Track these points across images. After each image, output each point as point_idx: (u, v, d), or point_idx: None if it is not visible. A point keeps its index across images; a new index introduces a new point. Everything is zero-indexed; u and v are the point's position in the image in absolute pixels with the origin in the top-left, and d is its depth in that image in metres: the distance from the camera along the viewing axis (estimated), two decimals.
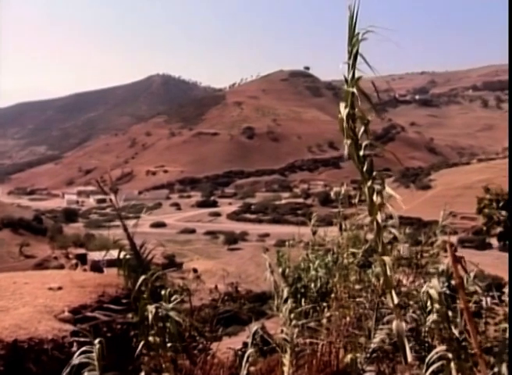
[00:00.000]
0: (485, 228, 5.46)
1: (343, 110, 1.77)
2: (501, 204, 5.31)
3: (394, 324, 1.81)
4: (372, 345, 3.67)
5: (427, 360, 2.16)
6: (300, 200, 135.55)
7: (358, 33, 1.74)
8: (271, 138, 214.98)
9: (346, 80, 1.79)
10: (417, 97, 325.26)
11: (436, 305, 2.12)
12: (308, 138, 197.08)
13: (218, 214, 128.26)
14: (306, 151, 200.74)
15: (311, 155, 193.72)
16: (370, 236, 6.35)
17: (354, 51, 1.76)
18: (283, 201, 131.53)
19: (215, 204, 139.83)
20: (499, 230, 5.37)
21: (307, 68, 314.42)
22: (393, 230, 1.76)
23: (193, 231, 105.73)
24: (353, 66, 1.79)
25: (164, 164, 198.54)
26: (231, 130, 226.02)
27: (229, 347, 6.39)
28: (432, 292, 2.11)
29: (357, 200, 2.55)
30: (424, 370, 2.12)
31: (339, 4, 1.80)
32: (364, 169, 1.78)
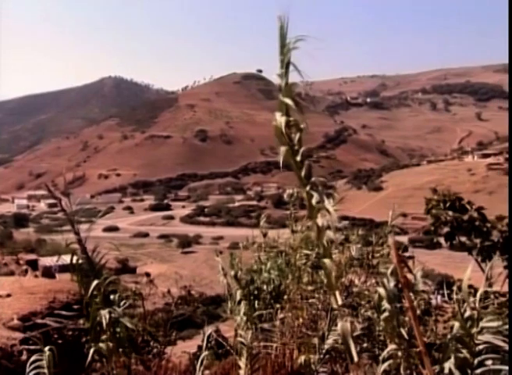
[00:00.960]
0: (432, 228, 5.66)
1: (279, 118, 1.80)
2: (448, 204, 5.53)
3: (339, 325, 1.83)
4: (325, 346, 3.70)
5: (380, 359, 2.20)
6: (254, 202, 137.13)
7: (289, 43, 1.77)
8: (224, 141, 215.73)
9: (279, 89, 1.83)
10: (368, 99, 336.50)
11: (386, 305, 2.15)
12: (261, 141, 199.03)
13: (171, 217, 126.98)
14: (259, 153, 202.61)
15: (264, 158, 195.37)
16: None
17: (286, 60, 1.79)
18: (237, 204, 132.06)
19: (168, 207, 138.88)
20: (446, 230, 5.59)
21: (260, 71, 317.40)
22: (329, 233, 1.78)
23: (146, 235, 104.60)
24: (286, 75, 1.82)
25: (116, 167, 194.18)
26: (184, 133, 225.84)
27: (183, 351, 6.27)
28: (382, 291, 2.15)
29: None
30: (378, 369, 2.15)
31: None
32: (302, 174, 1.80)
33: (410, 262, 7.16)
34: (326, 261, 1.80)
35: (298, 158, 1.82)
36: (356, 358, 1.86)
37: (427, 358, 2.02)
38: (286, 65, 1.83)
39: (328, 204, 1.77)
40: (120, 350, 2.76)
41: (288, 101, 1.80)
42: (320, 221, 1.79)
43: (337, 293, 1.85)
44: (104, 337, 2.68)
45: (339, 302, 1.80)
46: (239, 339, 3.68)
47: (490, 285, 5.13)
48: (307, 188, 1.81)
